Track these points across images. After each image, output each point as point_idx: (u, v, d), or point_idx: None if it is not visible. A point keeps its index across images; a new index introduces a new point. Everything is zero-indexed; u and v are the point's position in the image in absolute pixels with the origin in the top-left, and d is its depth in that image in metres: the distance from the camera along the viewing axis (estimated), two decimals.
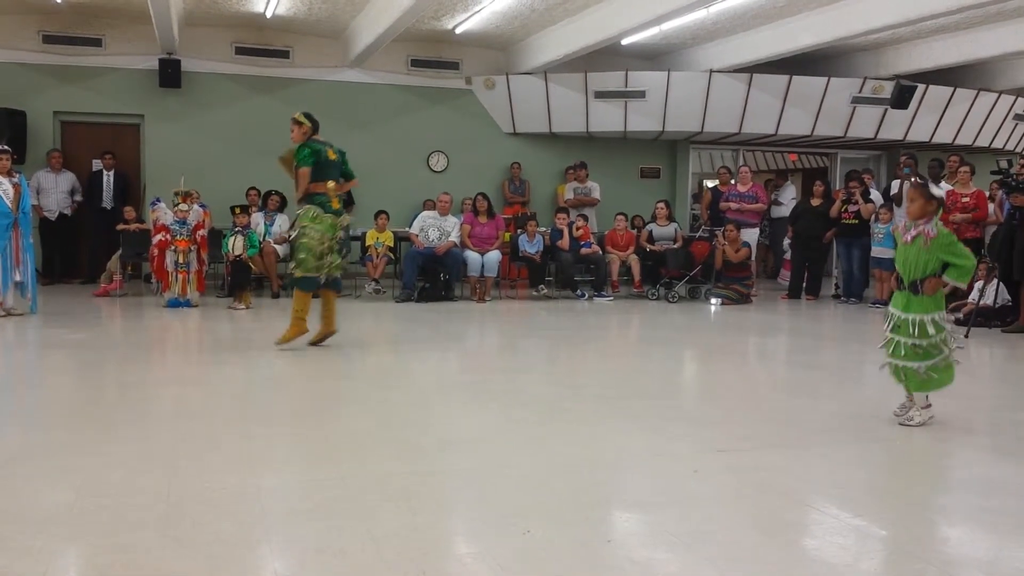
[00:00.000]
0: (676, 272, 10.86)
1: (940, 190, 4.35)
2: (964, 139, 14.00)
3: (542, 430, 4.30)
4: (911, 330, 4.29)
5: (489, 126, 13.56)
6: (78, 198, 11.55)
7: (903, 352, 4.34)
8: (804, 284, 11.37)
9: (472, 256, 10.52)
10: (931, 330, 4.29)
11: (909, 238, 4.34)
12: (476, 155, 13.41)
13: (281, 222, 10.93)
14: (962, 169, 9.79)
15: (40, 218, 11.09)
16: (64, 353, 6.63)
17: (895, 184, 10.77)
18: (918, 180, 4.47)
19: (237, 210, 9.94)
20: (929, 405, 4.42)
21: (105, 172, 11.65)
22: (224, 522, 2.90)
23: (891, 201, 11.01)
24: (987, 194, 9.76)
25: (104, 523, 2.88)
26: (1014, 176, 8.26)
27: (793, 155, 16.43)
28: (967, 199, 9.57)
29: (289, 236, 6.84)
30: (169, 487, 3.24)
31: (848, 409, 4.93)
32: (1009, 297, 8.52)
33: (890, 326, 4.41)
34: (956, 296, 9.12)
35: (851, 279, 10.97)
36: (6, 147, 8.36)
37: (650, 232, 11.44)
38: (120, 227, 10.59)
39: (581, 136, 13.67)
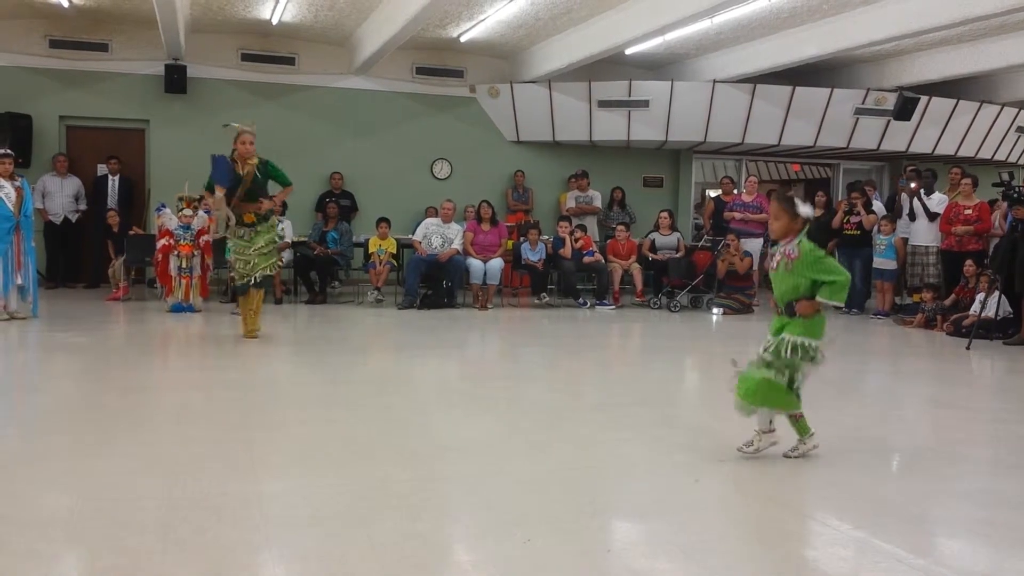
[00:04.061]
0: (678, 281, 10.86)
1: (808, 208, 3.90)
2: (967, 151, 13.99)
3: (543, 438, 4.31)
4: (778, 349, 3.83)
5: (493, 134, 13.58)
6: (82, 206, 11.58)
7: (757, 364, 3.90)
8: None
9: (475, 263, 10.53)
10: (798, 353, 3.80)
11: (774, 264, 3.95)
12: (480, 163, 13.43)
13: (284, 228, 10.92)
14: (964, 181, 9.79)
15: (44, 222, 11.13)
16: (66, 357, 6.64)
17: (904, 198, 10.75)
18: (786, 194, 3.95)
19: None
20: (773, 430, 3.93)
21: (110, 177, 11.67)
22: (225, 527, 2.90)
23: (893, 212, 11.03)
24: (991, 206, 9.75)
25: (105, 527, 2.88)
26: (1016, 188, 8.26)
27: (796, 165, 16.44)
28: (969, 211, 9.57)
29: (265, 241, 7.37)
30: (170, 492, 3.25)
31: (848, 421, 4.93)
32: (1011, 309, 8.51)
33: (762, 350, 3.95)
34: (958, 308, 9.14)
35: (853, 290, 10.94)
36: (8, 151, 8.38)
37: (652, 241, 11.45)
38: (132, 232, 10.65)
39: (584, 145, 13.68)
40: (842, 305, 4.00)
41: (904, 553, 2.84)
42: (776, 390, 3.84)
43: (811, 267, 3.82)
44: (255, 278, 7.19)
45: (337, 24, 11.70)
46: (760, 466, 3.83)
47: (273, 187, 7.38)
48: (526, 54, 12.91)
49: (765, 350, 3.91)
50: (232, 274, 7.57)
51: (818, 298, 3.82)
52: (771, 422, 3.94)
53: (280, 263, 7.53)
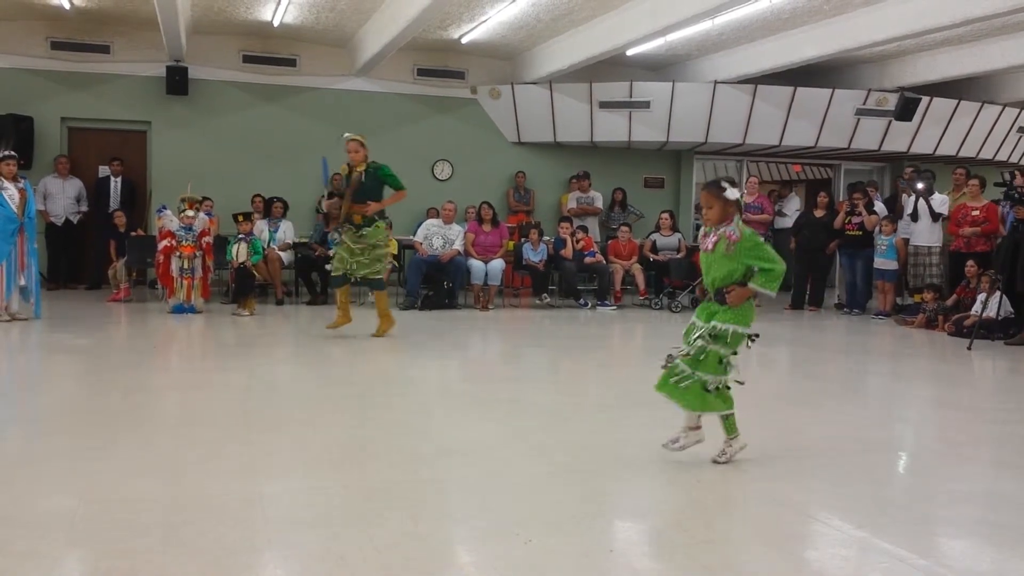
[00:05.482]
0: (679, 282, 10.86)
1: (735, 192, 3.79)
2: (968, 151, 13.99)
3: (544, 439, 4.30)
4: (705, 338, 3.82)
5: (494, 135, 13.59)
6: (84, 207, 11.60)
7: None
8: (807, 295, 11.36)
9: (476, 264, 10.53)
10: (726, 340, 3.81)
11: (710, 245, 3.86)
12: (481, 164, 13.44)
13: (285, 229, 10.95)
14: (972, 182, 9.77)
15: (46, 223, 11.14)
16: (68, 358, 6.64)
17: (905, 198, 10.73)
18: (712, 182, 3.89)
19: (240, 217, 9.95)
20: (699, 427, 3.85)
21: (112, 178, 11.70)
22: (226, 528, 2.90)
23: (894, 213, 11.02)
24: (999, 207, 9.73)
25: (106, 528, 2.88)
26: (1018, 188, 8.25)
27: (797, 166, 16.45)
28: (977, 212, 9.54)
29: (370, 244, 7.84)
30: (171, 493, 3.25)
31: (850, 421, 4.93)
32: (1012, 309, 8.51)
33: (690, 338, 3.93)
34: (960, 309, 9.14)
35: (854, 290, 10.97)
36: (12, 152, 8.39)
37: (654, 242, 11.45)
38: (134, 234, 10.67)
39: (585, 146, 13.69)
40: (774, 295, 3.91)
41: (906, 553, 2.83)
42: (709, 393, 3.80)
43: (750, 252, 3.76)
44: (354, 276, 7.68)
45: (338, 26, 11.71)
46: (761, 466, 3.83)
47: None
48: (527, 55, 12.92)
49: (693, 341, 3.85)
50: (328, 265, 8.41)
51: (751, 285, 3.75)
52: (699, 418, 3.85)
53: (388, 267, 8.11)
